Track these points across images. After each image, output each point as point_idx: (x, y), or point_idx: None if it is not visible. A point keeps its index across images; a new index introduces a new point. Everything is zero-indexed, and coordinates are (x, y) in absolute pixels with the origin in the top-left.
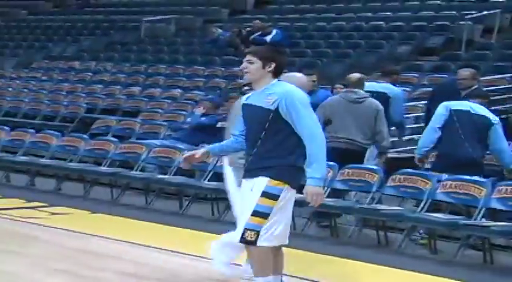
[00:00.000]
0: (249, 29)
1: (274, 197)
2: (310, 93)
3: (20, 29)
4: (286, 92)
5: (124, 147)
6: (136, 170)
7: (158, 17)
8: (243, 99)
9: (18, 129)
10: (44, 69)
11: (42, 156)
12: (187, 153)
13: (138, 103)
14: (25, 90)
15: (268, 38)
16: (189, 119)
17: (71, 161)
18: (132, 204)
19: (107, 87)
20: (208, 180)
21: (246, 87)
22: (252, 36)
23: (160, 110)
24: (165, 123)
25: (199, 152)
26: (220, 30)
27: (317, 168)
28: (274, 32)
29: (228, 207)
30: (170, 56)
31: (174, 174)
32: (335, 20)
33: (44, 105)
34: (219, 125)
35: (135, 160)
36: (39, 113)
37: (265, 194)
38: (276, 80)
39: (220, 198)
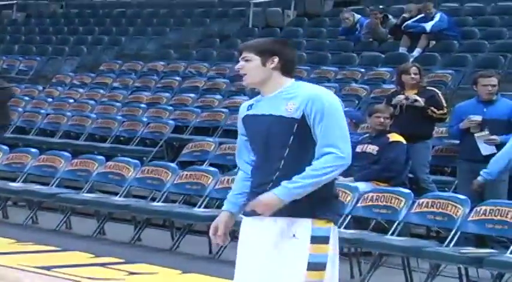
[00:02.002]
0: (405, 14)
1: (325, 240)
2: (488, 103)
3: (83, 18)
4: (312, 94)
5: (227, 181)
6: None
7: None
8: (243, 109)
9: (82, 156)
10: (115, 73)
11: (116, 194)
12: (213, 230)
13: None
14: (91, 102)
15: (428, 26)
16: None
17: (153, 200)
18: None
19: (201, 97)
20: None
21: (400, 97)
22: (405, 23)
23: None
24: None
25: (221, 221)
26: (357, 16)
27: (298, 183)
28: (437, 16)
29: None
30: None
31: None
32: None
33: (116, 123)
34: (358, 149)
35: None
36: (109, 134)
37: (314, 240)
38: (293, 79)
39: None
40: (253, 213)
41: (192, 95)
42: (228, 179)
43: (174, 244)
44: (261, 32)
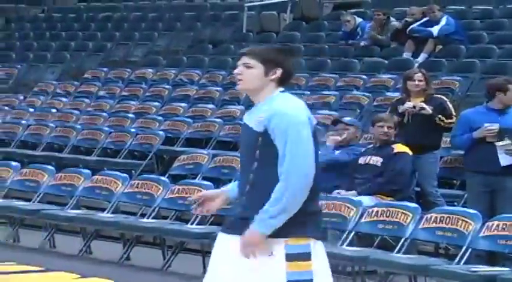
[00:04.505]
0: (407, 18)
1: (306, 256)
2: (501, 111)
3: (66, 22)
4: (276, 110)
5: None
6: None
7: (267, 2)
8: (245, 116)
9: (67, 170)
10: (100, 81)
11: (103, 210)
12: (200, 194)
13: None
14: (75, 112)
15: (435, 30)
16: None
17: (143, 216)
18: None
19: (193, 107)
20: None
21: (409, 104)
22: (411, 27)
23: None
24: None
25: (217, 196)
26: (358, 19)
27: (271, 212)
28: (444, 20)
29: None
30: None
31: None
32: None
33: (103, 135)
34: (361, 161)
35: None
36: (95, 146)
37: (291, 257)
38: (279, 91)
39: None
40: (230, 231)
41: (183, 104)
42: None
43: (166, 263)
44: (256, 37)
